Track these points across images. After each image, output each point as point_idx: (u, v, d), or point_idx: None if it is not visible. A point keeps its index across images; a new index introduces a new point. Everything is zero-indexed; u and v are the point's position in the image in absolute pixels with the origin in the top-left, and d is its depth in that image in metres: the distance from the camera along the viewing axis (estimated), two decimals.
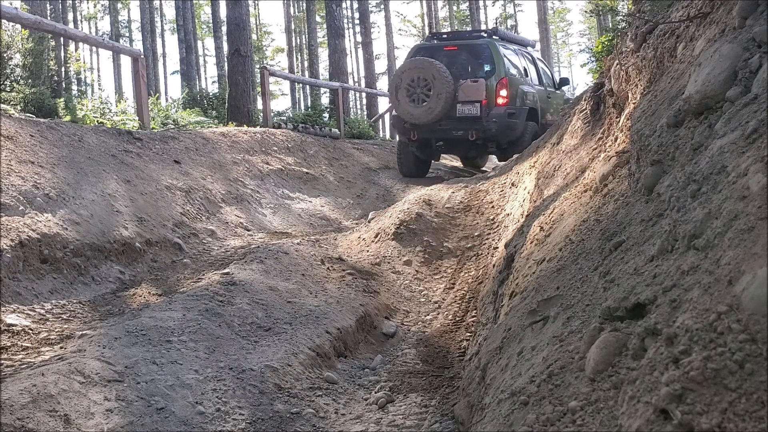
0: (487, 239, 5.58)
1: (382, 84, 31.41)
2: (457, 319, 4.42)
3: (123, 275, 4.84)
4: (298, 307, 3.96)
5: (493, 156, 11.20)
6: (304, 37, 37.51)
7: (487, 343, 2.51)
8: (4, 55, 8.62)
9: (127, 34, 40.42)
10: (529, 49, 11.40)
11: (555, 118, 10.70)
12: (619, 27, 6.06)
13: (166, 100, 21.68)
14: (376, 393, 3.19)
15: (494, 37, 10.13)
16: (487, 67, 9.67)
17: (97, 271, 4.69)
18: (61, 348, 3.13)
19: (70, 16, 32.69)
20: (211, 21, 31.30)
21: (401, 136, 10.06)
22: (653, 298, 1.29)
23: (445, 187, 6.81)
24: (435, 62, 9.34)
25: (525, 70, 10.35)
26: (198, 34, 35.43)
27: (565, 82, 12.08)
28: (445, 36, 11.09)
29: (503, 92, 9.38)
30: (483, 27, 39.18)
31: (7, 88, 8.24)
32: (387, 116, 16.91)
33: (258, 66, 16.93)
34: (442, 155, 11.63)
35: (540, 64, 11.23)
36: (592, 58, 11.41)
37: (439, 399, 3.09)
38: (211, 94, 15.81)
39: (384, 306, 4.50)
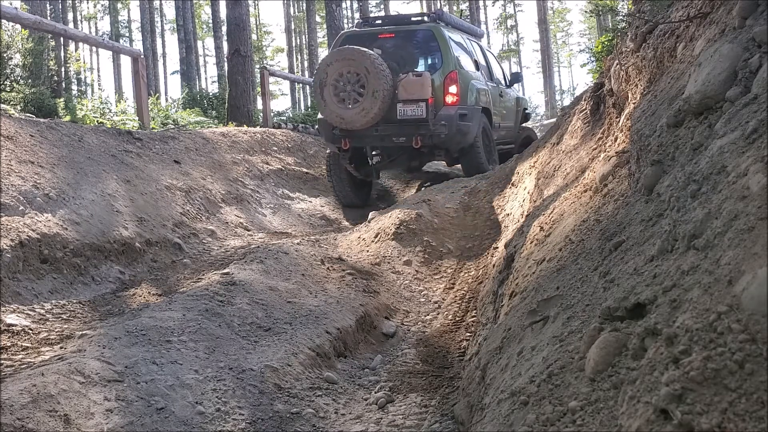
0: (487, 239, 5.58)
1: None
2: (457, 319, 4.42)
3: (123, 275, 4.84)
4: (298, 307, 3.96)
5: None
6: (304, 37, 37.53)
7: (487, 343, 2.51)
8: (4, 55, 8.63)
9: (127, 34, 40.48)
10: (479, 40, 9.92)
11: (505, 122, 9.35)
12: (619, 27, 6.07)
13: (166, 100, 21.71)
14: (376, 393, 3.19)
15: (439, 22, 8.37)
16: (432, 58, 8.02)
17: (97, 271, 4.69)
18: (61, 348, 3.13)
19: (70, 16, 32.72)
20: (211, 21, 31.34)
21: (330, 145, 8.32)
22: (653, 298, 1.29)
23: (445, 187, 6.81)
24: (368, 52, 7.51)
25: (476, 62, 8.81)
26: (198, 34, 35.47)
27: (516, 78, 10.56)
28: (379, 21, 8.92)
29: (453, 89, 7.71)
30: (482, 26, 39.10)
31: (7, 88, 8.25)
32: None
33: (258, 66, 16.95)
34: (382, 171, 9.29)
35: (490, 57, 9.77)
36: (592, 58, 11.33)
37: (439, 399, 3.09)
38: (211, 94, 15.84)
39: (384, 306, 4.49)
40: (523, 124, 10.50)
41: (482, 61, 9.13)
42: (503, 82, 9.82)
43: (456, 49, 8.12)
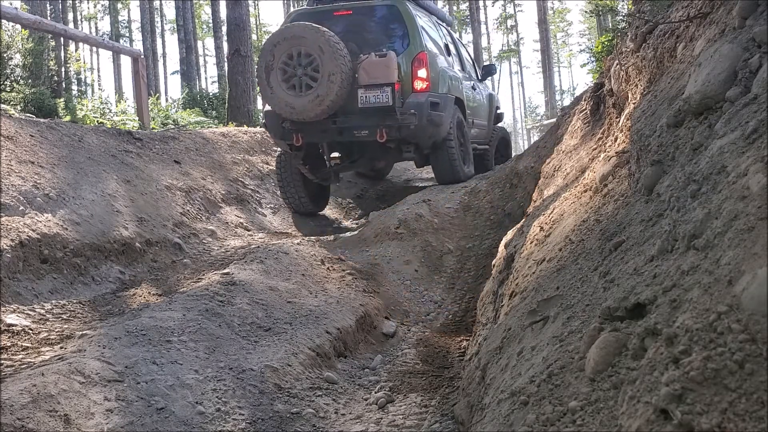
0: (487, 239, 5.58)
1: None
2: (457, 319, 4.42)
3: (123, 275, 4.84)
4: (298, 307, 3.96)
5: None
6: None
7: (487, 343, 2.51)
8: (4, 55, 8.64)
9: (127, 34, 40.53)
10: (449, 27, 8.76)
11: (479, 120, 8.39)
12: (619, 27, 6.07)
13: (166, 100, 21.72)
14: (376, 393, 3.19)
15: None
16: (397, 39, 6.74)
17: (97, 271, 4.69)
18: (61, 348, 3.13)
19: (70, 16, 32.73)
20: (211, 21, 31.37)
21: (280, 142, 6.93)
22: (653, 298, 1.29)
23: (445, 188, 6.81)
24: (322, 29, 6.27)
25: (447, 48, 7.72)
26: (198, 34, 35.48)
27: (490, 70, 9.24)
28: None
29: (422, 72, 6.54)
30: (483, 28, 39.06)
31: (7, 88, 8.26)
32: None
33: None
34: (342, 175, 7.81)
35: (460, 46, 8.73)
36: (592, 58, 11.29)
37: (439, 399, 3.09)
38: (211, 94, 15.86)
39: (384, 306, 4.50)
40: (497, 125, 9.50)
41: (453, 49, 8.06)
42: (475, 75, 8.79)
43: (424, 29, 7.00)
